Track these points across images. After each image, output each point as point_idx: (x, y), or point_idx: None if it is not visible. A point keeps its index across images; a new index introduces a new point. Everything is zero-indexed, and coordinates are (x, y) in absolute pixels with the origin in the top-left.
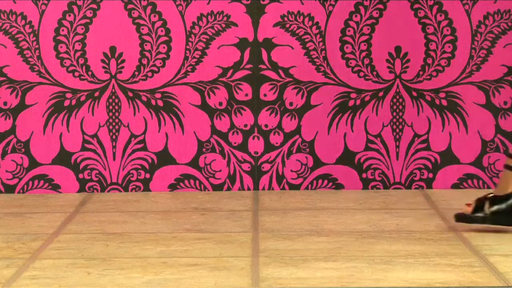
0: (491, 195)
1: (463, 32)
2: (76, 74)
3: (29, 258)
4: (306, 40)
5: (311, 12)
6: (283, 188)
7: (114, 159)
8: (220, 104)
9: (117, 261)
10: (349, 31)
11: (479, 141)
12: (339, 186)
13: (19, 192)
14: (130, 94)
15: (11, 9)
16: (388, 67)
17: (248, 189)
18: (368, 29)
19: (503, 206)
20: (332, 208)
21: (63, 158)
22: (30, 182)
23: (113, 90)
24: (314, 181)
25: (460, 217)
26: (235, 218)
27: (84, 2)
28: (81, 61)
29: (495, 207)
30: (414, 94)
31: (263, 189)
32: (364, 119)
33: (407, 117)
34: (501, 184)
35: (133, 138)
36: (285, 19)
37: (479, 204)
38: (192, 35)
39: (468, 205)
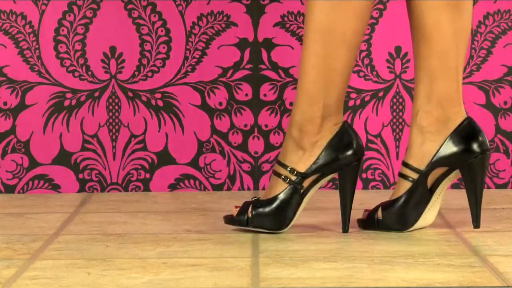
0: (255, 198)
1: None
2: (76, 74)
3: (29, 258)
4: None
5: None
6: None
7: (114, 159)
8: (220, 104)
9: (117, 262)
10: None
11: None
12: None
13: (19, 192)
14: (130, 94)
15: (11, 9)
16: (388, 67)
17: (248, 189)
18: (367, 29)
19: (266, 209)
20: (332, 208)
21: (63, 158)
22: (30, 182)
23: (113, 90)
24: None
25: (227, 219)
26: None
27: (84, 2)
28: (81, 61)
29: (257, 210)
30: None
31: (263, 189)
32: (364, 119)
33: (407, 117)
34: (268, 189)
35: (133, 138)
36: (285, 19)
37: (245, 207)
38: (192, 35)
39: (237, 207)
